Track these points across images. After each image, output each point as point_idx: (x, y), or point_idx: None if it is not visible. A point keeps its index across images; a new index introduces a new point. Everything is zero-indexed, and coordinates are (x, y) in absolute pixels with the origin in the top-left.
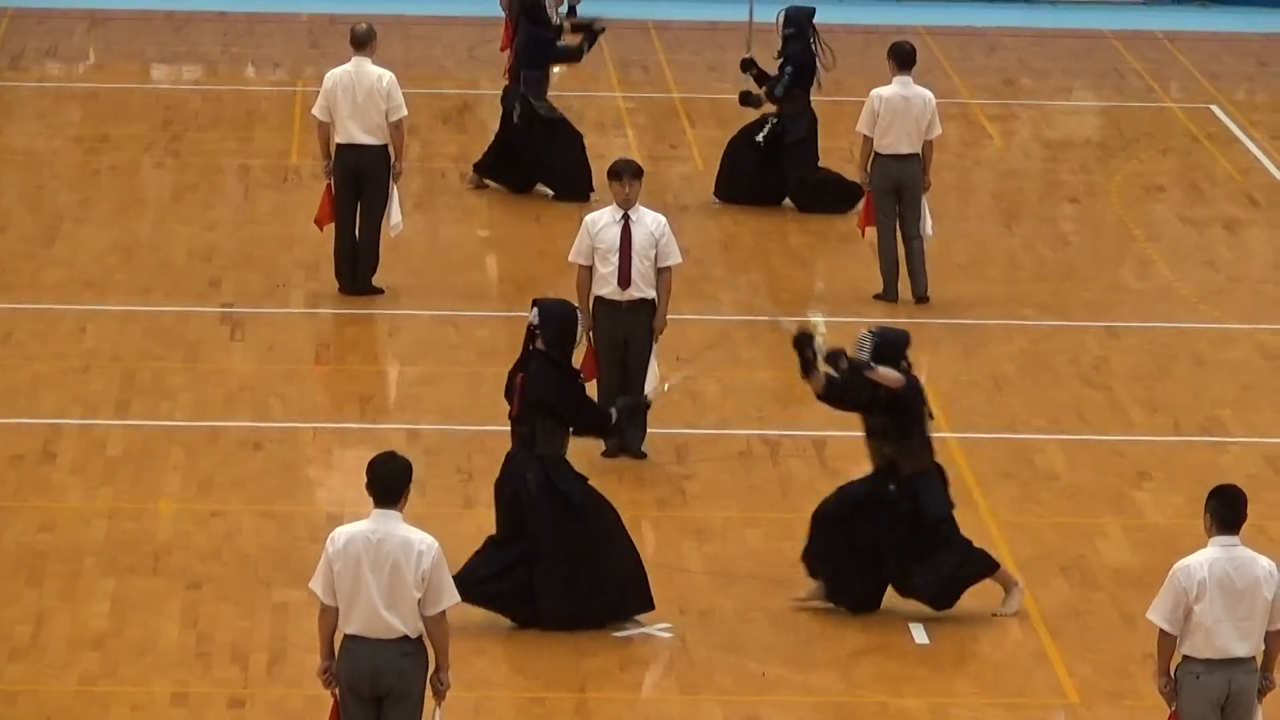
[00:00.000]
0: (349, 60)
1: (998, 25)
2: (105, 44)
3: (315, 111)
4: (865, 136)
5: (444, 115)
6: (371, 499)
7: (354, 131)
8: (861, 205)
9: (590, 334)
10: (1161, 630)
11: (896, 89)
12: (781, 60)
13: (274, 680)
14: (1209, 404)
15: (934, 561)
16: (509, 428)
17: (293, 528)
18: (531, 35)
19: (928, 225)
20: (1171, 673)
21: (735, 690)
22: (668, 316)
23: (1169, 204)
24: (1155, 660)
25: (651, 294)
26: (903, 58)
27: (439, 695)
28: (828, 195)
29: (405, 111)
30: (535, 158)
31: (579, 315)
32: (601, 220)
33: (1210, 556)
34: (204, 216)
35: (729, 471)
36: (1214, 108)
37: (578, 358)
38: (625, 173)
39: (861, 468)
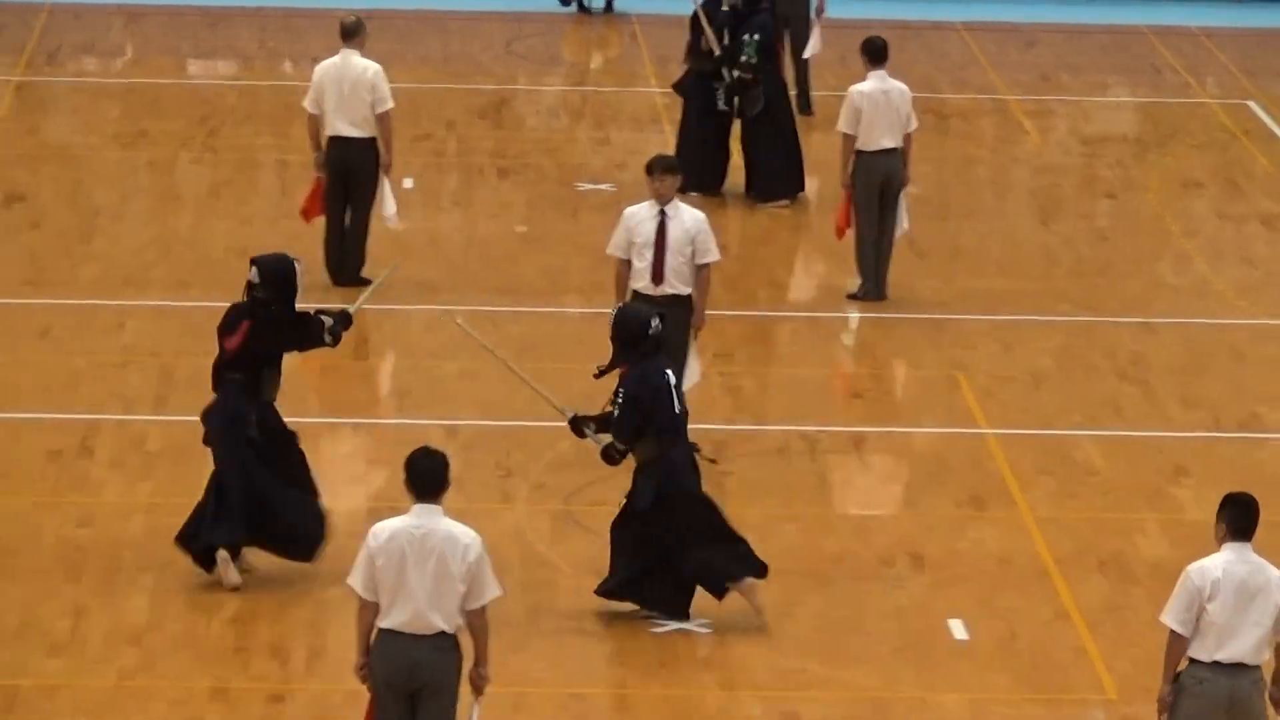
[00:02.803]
0: (338, 53)
1: (1034, 21)
2: (142, 39)
3: (305, 104)
4: (846, 135)
5: (480, 110)
6: (411, 494)
7: (340, 124)
8: (839, 206)
9: None
10: (1172, 634)
11: (875, 84)
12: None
13: (313, 675)
14: (1247, 399)
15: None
16: (538, 422)
17: (332, 523)
18: None
19: (904, 221)
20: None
21: (773, 686)
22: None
23: (1206, 200)
24: (1164, 672)
25: (685, 290)
26: (875, 53)
27: (478, 690)
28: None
29: (391, 104)
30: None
31: (298, 266)
32: (639, 214)
33: (1224, 559)
34: (241, 211)
35: (767, 467)
36: (1251, 103)
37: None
38: (657, 168)
39: (897, 462)
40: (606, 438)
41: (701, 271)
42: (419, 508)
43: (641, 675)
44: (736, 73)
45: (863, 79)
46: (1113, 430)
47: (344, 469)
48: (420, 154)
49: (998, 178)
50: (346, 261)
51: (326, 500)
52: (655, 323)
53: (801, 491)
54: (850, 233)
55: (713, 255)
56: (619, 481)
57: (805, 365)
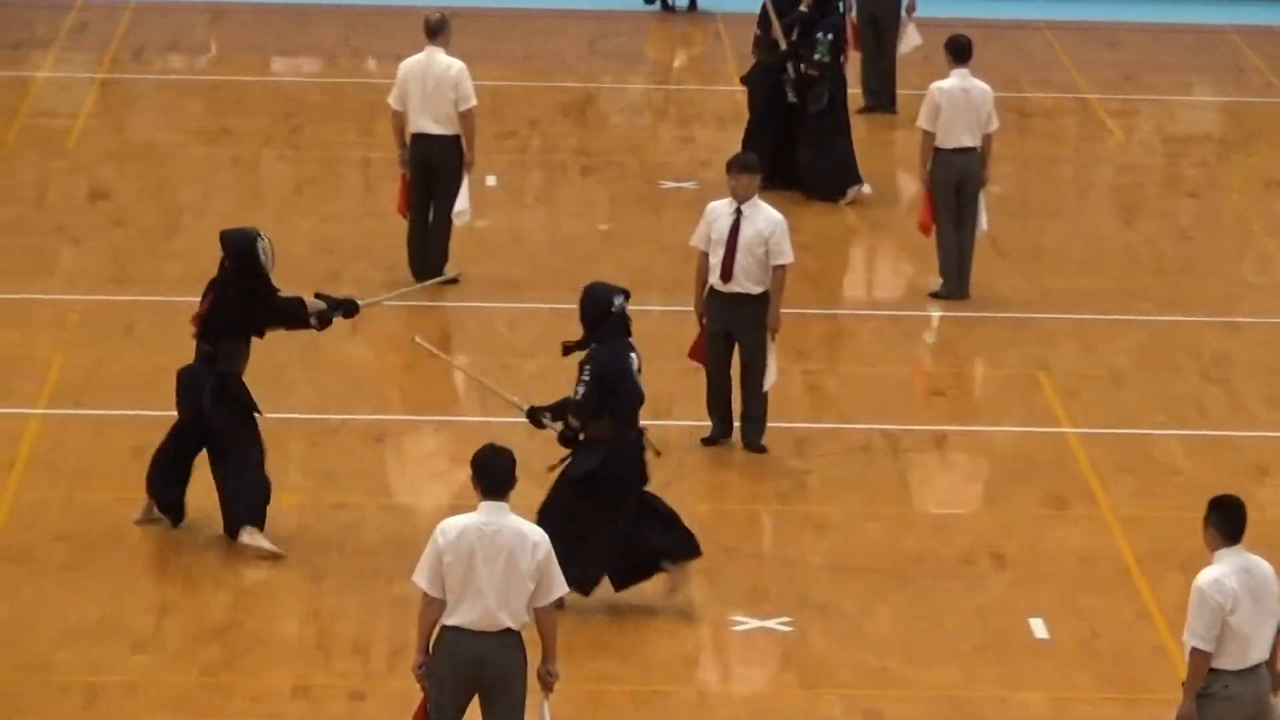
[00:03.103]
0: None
1: (1118, 20)
2: (227, 37)
3: (390, 100)
4: (926, 132)
5: (564, 108)
6: (479, 491)
7: (424, 121)
8: (921, 203)
9: (703, 319)
10: (1196, 652)
11: (956, 82)
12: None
13: (394, 673)
14: None
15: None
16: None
17: (414, 521)
18: None
19: (983, 221)
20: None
21: (854, 684)
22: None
23: None
24: (1186, 689)
25: (755, 289)
26: (959, 51)
27: (548, 687)
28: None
29: (474, 101)
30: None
31: (260, 243)
32: (719, 210)
33: (1233, 567)
34: (324, 209)
35: (849, 466)
36: None
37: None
38: (733, 167)
39: (978, 461)
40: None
41: (776, 273)
42: (487, 505)
43: (721, 673)
44: (804, 67)
45: (946, 77)
46: (1195, 430)
47: (426, 467)
48: (504, 152)
49: (1080, 177)
50: (429, 259)
51: (408, 498)
52: (619, 301)
53: (883, 490)
54: (933, 231)
55: (786, 257)
56: (699, 479)
57: (887, 364)
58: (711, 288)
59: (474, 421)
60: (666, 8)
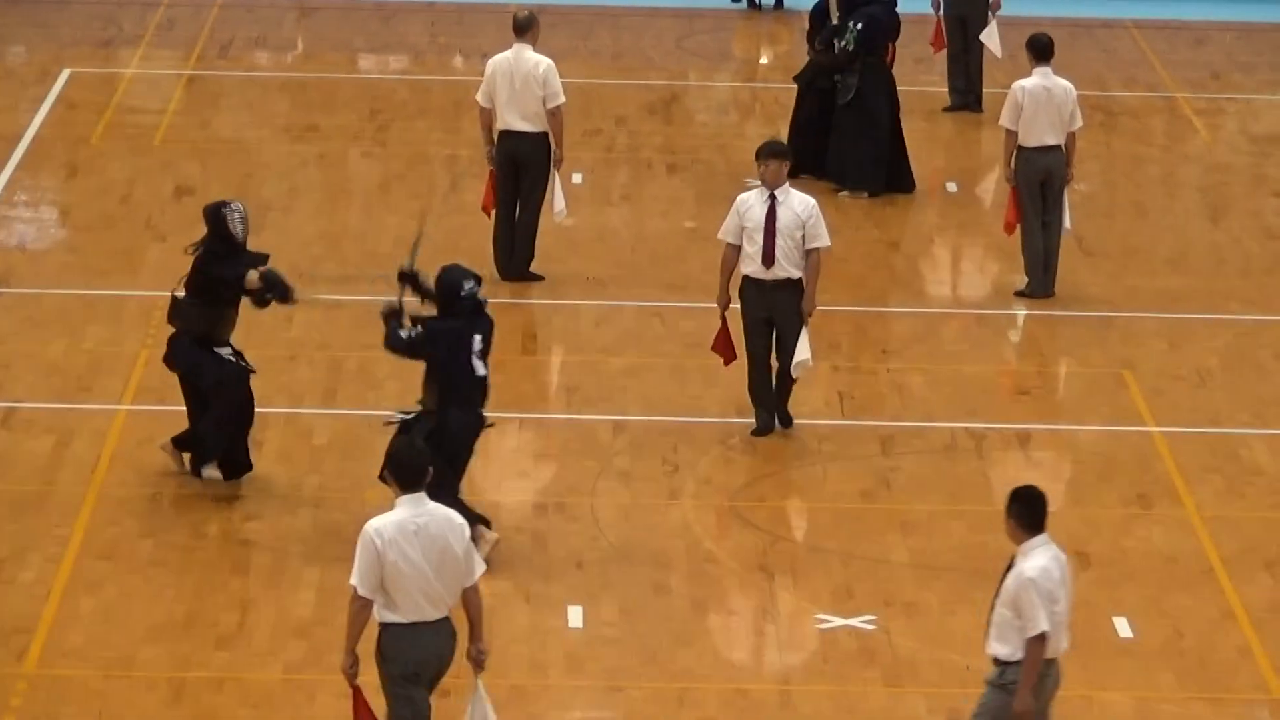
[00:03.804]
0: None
1: (1205, 19)
2: (313, 34)
3: (478, 97)
4: (1009, 131)
5: (651, 106)
6: (397, 487)
7: (511, 118)
8: (1007, 202)
9: (725, 313)
10: (1039, 639)
11: (1038, 80)
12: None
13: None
14: None
15: None
16: (704, 418)
17: (498, 519)
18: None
19: (1068, 219)
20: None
21: (939, 683)
22: (816, 298)
23: None
24: (1025, 680)
25: (796, 274)
26: (1041, 49)
27: (480, 666)
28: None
29: (562, 99)
30: None
31: (230, 213)
32: (750, 200)
33: (1050, 556)
34: (410, 206)
35: (934, 464)
36: None
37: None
38: (762, 153)
39: (1063, 459)
40: (411, 305)
41: (811, 256)
42: (408, 498)
43: (805, 671)
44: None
45: (1028, 76)
46: None
47: (511, 464)
48: (590, 149)
49: (1167, 176)
50: (516, 256)
51: (492, 495)
52: (470, 285)
53: (967, 489)
54: (1019, 229)
55: (822, 240)
56: (786, 478)
57: (972, 362)
58: (747, 277)
59: (558, 419)
60: (753, 6)
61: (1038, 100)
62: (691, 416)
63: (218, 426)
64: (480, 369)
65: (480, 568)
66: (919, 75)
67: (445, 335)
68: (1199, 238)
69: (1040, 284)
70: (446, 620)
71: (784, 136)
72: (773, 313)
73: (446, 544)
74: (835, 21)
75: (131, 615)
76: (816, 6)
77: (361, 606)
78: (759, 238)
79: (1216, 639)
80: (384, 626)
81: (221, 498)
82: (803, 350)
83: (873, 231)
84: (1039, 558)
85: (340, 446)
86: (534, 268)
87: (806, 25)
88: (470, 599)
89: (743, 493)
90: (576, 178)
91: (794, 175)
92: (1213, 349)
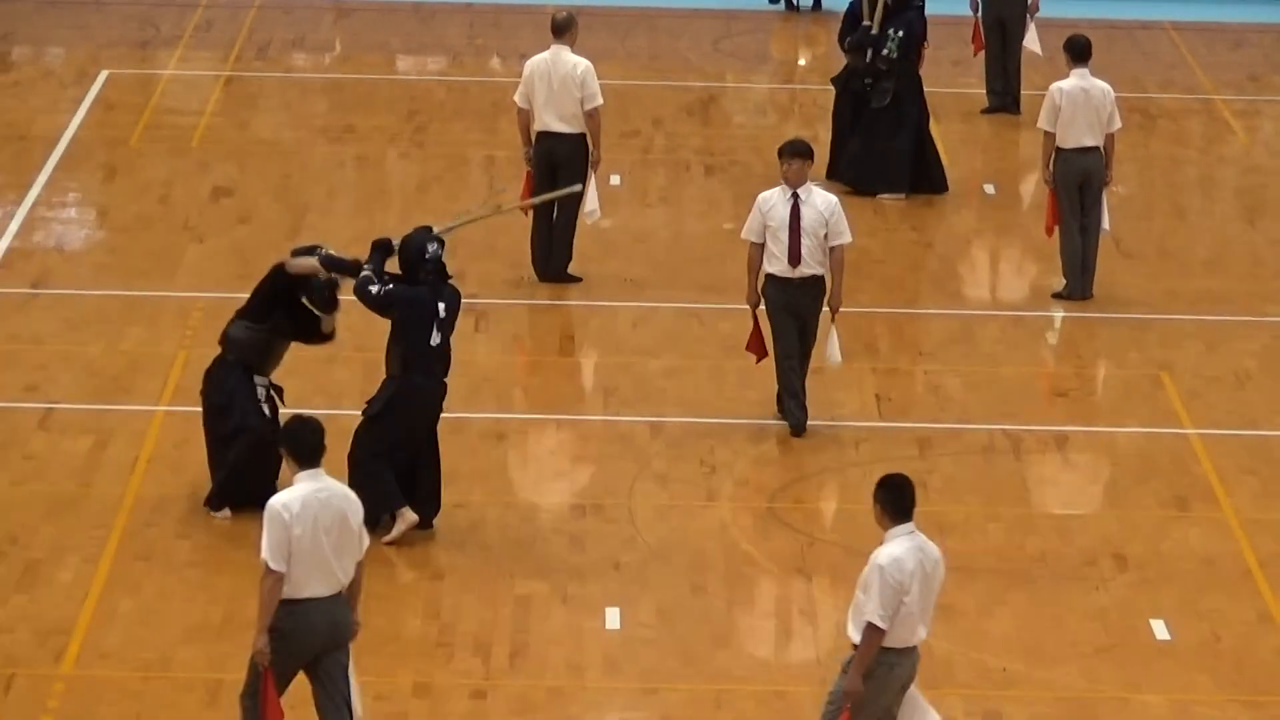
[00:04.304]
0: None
1: (1243, 21)
2: (351, 35)
3: (515, 98)
4: (1047, 133)
5: (688, 108)
6: (295, 463)
7: (549, 119)
8: (1046, 204)
9: (756, 311)
10: (872, 629)
11: (1076, 82)
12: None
13: (516, 672)
14: None
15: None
16: (742, 420)
17: (536, 520)
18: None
19: (1106, 220)
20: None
21: (975, 685)
22: (842, 294)
23: None
24: (856, 665)
25: (821, 271)
26: (1079, 51)
27: (352, 636)
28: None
29: (600, 100)
30: None
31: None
32: (772, 199)
33: (908, 546)
34: (448, 207)
35: (971, 466)
36: None
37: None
38: (785, 152)
39: (1100, 461)
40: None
41: (835, 253)
42: (307, 474)
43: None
44: (874, 60)
45: (1066, 77)
46: None
47: (549, 465)
48: (628, 150)
49: (1204, 178)
50: (553, 258)
51: (530, 497)
52: (433, 248)
53: (1005, 490)
54: (1056, 231)
55: (846, 237)
56: (824, 480)
57: (1010, 364)
58: (772, 276)
59: (595, 420)
60: (791, 7)
61: (1076, 102)
62: (729, 418)
63: (233, 474)
64: (436, 338)
65: (367, 541)
66: (956, 77)
67: (410, 301)
68: (1236, 239)
69: (1078, 286)
70: (340, 595)
71: (822, 138)
72: (800, 309)
73: (345, 519)
74: (875, 30)
75: (169, 616)
76: (850, 7)
77: (275, 581)
78: (784, 236)
79: (1254, 641)
80: (280, 603)
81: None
82: (833, 350)
83: (910, 234)
84: (896, 546)
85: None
86: (572, 269)
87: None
88: (359, 575)
89: (780, 494)
90: (614, 179)
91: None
92: (1250, 351)
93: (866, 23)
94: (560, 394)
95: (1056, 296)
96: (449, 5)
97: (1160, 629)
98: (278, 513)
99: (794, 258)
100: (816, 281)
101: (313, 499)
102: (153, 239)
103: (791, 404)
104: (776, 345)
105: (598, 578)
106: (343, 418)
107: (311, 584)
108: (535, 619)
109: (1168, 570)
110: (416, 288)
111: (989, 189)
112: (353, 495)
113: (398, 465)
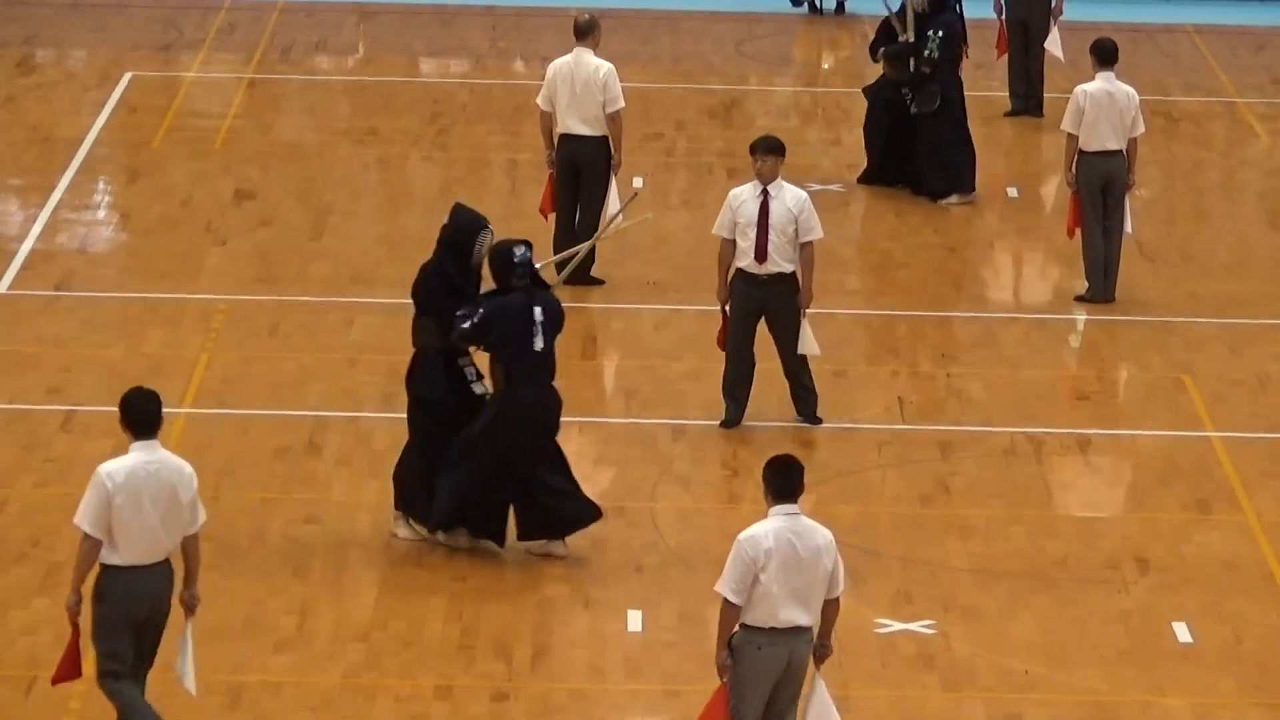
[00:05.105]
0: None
1: (1266, 24)
2: (374, 38)
3: (538, 101)
4: (1070, 135)
5: (711, 111)
6: (131, 433)
7: (572, 122)
8: (1068, 207)
9: (726, 306)
10: (726, 602)
11: (1101, 85)
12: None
13: (538, 674)
14: None
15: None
16: (764, 422)
17: None
18: None
19: (1128, 223)
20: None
21: (997, 688)
22: (812, 290)
23: None
24: (719, 638)
25: (789, 268)
26: (1105, 54)
27: (192, 611)
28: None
29: (622, 103)
30: None
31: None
32: (743, 195)
33: (774, 526)
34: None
35: (993, 469)
36: None
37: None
38: (758, 149)
39: (1122, 464)
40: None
41: (805, 250)
42: (141, 444)
43: (864, 675)
44: (917, 65)
45: (1091, 80)
46: None
47: (571, 468)
48: (650, 153)
49: (1227, 181)
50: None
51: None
52: (521, 251)
53: (1027, 493)
54: (1078, 234)
55: (816, 233)
56: (846, 483)
57: (1032, 367)
58: (741, 270)
59: (618, 423)
60: (814, 10)
61: (1100, 105)
62: (751, 421)
63: (406, 462)
64: (539, 343)
65: (203, 516)
66: (980, 80)
67: (503, 309)
68: (1259, 243)
69: (1100, 289)
70: (165, 563)
71: (845, 141)
72: (766, 307)
73: (174, 492)
74: (911, 39)
75: None
76: (884, 23)
77: (91, 547)
78: (751, 233)
79: (1276, 644)
80: (104, 568)
81: (279, 502)
82: (807, 343)
83: (932, 237)
84: (762, 524)
85: (400, 450)
86: (594, 272)
87: (870, 33)
88: (189, 547)
89: (802, 497)
90: (637, 182)
91: (873, 182)
92: (1273, 354)
93: (904, 37)
94: (582, 396)
95: (1079, 299)
96: (472, 8)
97: (1182, 632)
98: (102, 481)
99: (760, 253)
100: (785, 279)
101: (140, 469)
102: (175, 241)
103: (728, 401)
104: (730, 338)
105: (620, 581)
106: (365, 420)
107: (131, 551)
108: (557, 621)
109: (1190, 573)
110: (509, 295)
111: (1012, 192)
112: (187, 468)
113: (505, 483)
